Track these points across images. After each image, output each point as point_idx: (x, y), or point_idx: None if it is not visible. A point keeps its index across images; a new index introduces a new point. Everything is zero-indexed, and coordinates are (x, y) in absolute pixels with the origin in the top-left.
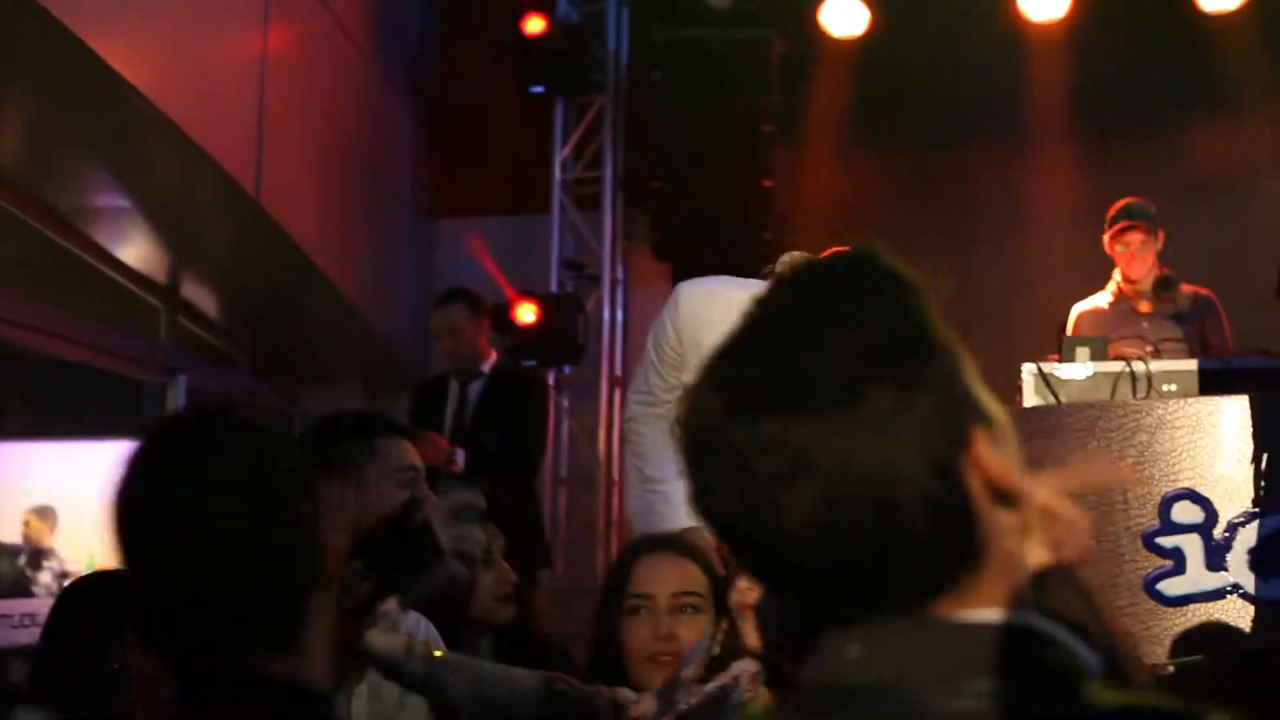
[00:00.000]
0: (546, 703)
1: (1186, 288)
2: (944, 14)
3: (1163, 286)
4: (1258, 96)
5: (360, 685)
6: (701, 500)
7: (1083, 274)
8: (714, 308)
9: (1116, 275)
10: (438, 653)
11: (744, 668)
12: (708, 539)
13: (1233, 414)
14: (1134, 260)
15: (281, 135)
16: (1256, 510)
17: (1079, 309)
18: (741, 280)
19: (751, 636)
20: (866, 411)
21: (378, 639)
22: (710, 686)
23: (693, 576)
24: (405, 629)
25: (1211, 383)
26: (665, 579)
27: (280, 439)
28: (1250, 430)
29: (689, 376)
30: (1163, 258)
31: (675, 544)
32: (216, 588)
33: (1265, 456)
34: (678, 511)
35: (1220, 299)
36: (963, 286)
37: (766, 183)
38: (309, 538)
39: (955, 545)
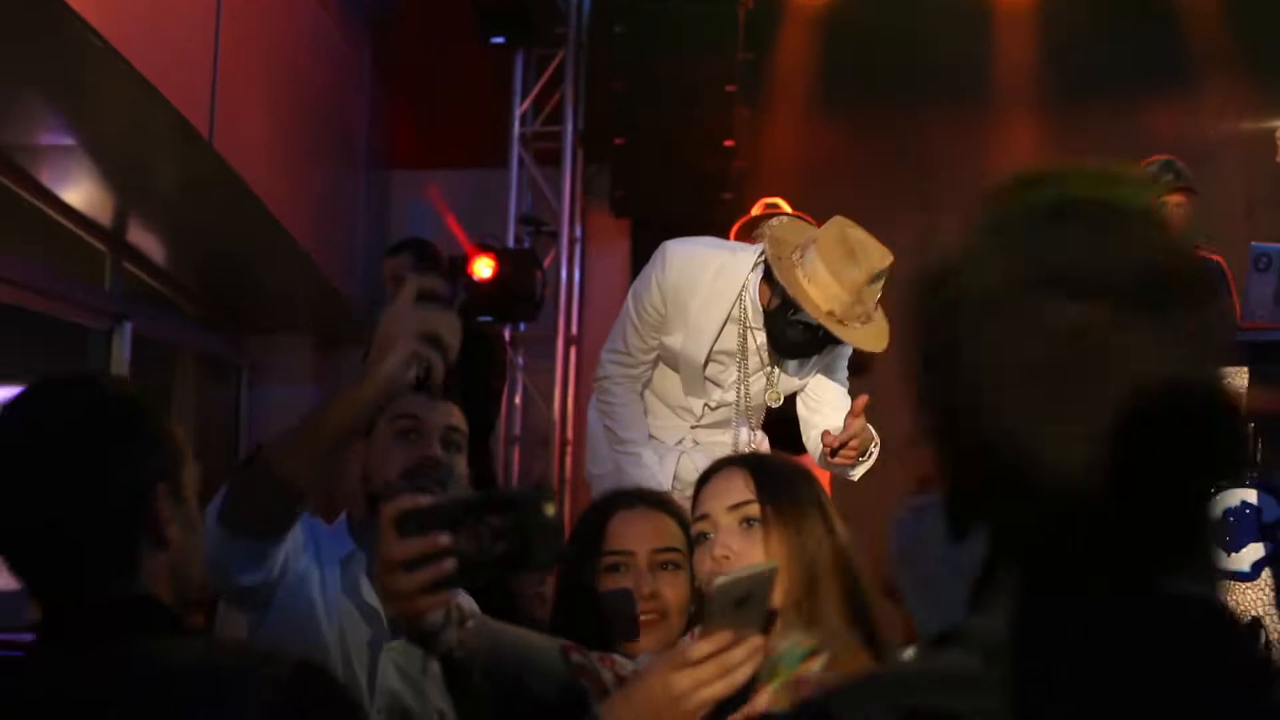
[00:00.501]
0: (564, 675)
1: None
2: None
3: None
4: (1219, 72)
5: (394, 640)
6: (962, 377)
7: None
8: (702, 271)
9: None
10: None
11: None
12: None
13: None
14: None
15: (236, 75)
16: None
17: None
18: (729, 244)
19: None
20: (1180, 328)
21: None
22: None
23: (671, 532)
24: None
25: None
26: (644, 535)
27: (138, 406)
28: None
29: (670, 339)
30: None
31: (650, 499)
32: (56, 523)
33: None
34: (649, 473)
35: None
36: (925, 251)
37: (728, 142)
38: (135, 496)
39: (1207, 504)
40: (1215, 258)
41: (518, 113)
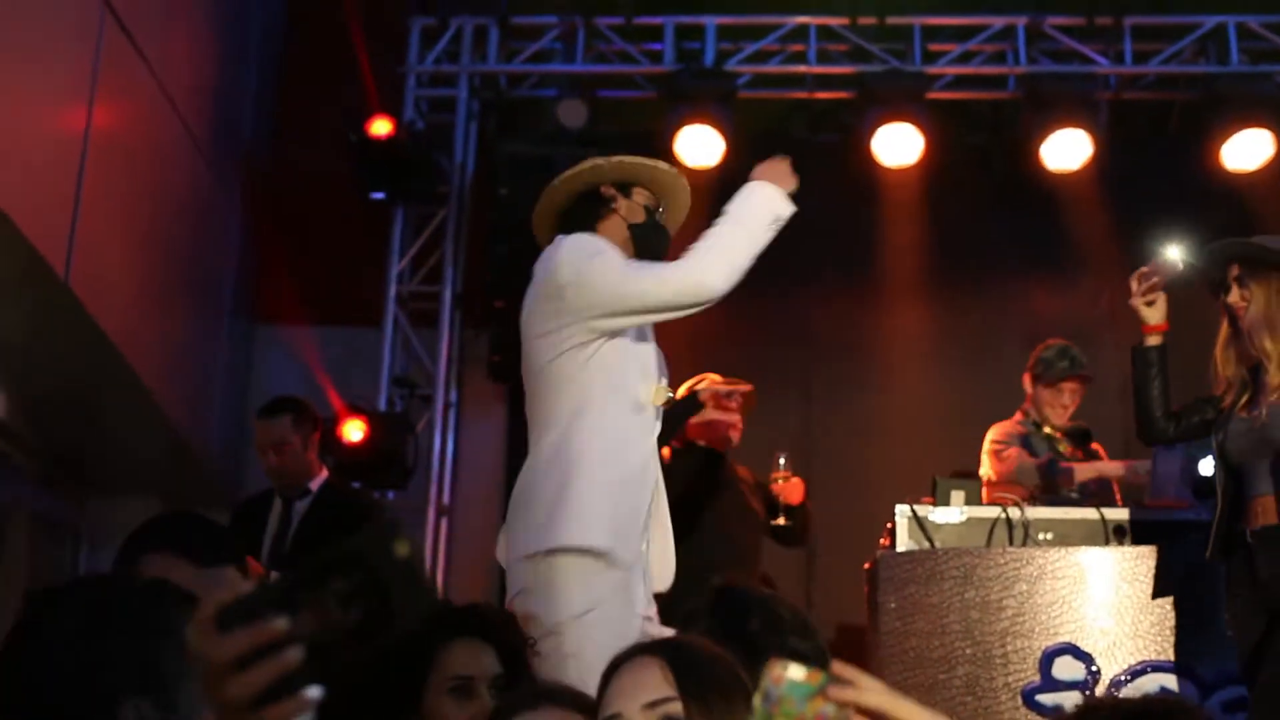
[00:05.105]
0: None
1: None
2: (800, 152)
3: (1081, 439)
4: (1094, 255)
5: None
6: None
7: (925, 419)
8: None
9: (1033, 413)
10: None
11: None
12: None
13: (1115, 566)
14: (1064, 410)
15: (98, 214)
16: (1139, 667)
17: (1000, 426)
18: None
19: None
20: None
21: None
22: None
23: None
24: None
25: (1090, 533)
26: (484, 661)
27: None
28: (1132, 583)
29: None
30: (998, 403)
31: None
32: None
33: (1146, 611)
34: None
35: None
36: (806, 429)
37: None
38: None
39: None
40: (1094, 445)
41: (395, 271)
